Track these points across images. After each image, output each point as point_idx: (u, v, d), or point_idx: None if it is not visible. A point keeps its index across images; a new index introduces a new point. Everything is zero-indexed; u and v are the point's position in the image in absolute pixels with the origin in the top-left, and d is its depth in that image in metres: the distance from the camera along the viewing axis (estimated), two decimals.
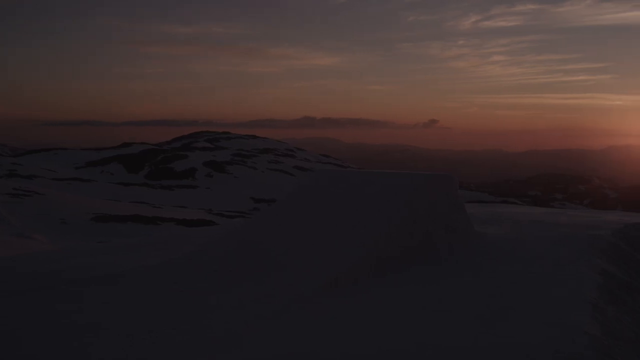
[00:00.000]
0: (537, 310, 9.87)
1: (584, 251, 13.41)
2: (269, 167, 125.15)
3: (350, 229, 13.42)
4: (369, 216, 13.72)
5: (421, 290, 11.51)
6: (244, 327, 9.93)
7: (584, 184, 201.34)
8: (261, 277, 12.38)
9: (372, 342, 8.97)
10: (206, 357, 8.74)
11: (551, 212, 20.88)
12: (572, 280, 11.48)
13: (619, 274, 12.58)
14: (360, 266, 12.40)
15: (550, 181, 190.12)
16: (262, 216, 16.92)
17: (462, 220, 14.90)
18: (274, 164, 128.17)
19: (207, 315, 10.46)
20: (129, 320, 10.29)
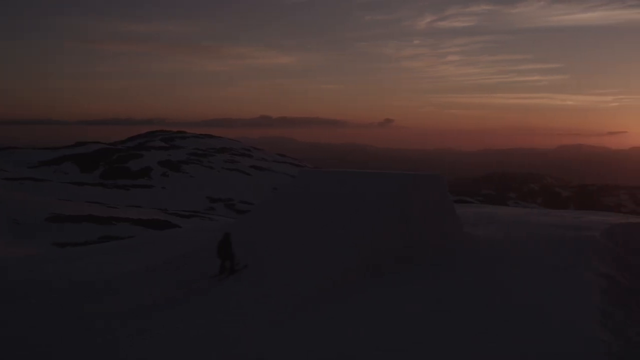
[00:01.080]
0: (546, 317, 9.44)
1: (580, 254, 12.99)
2: (225, 166, 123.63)
3: (342, 231, 12.87)
4: (361, 218, 13.16)
5: (418, 291, 11.01)
6: (246, 328, 9.76)
7: (537, 183, 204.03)
8: (258, 279, 11.98)
9: (370, 342, 8.78)
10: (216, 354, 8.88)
11: (531, 212, 20.54)
12: (575, 284, 11.06)
13: (618, 277, 12.15)
14: (354, 268, 11.87)
15: (503, 180, 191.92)
16: (251, 217, 16.11)
17: (452, 222, 14.38)
18: (230, 163, 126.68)
19: (212, 317, 10.36)
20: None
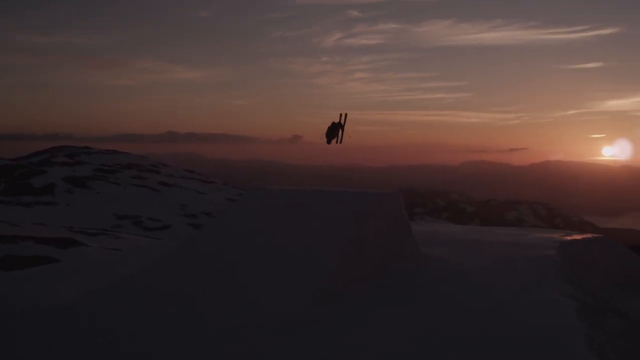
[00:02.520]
0: (535, 343, 8.81)
1: (544, 273, 12.56)
2: (133, 182, 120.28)
3: (298, 255, 11.77)
4: (316, 240, 12.19)
5: (381, 318, 10.06)
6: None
7: (442, 199, 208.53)
8: (207, 306, 10.74)
9: None
10: None
11: (479, 230, 20.03)
12: (549, 306, 10.53)
13: (582, 296, 11.61)
14: (311, 297, 10.83)
15: (410, 196, 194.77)
16: (200, 237, 14.60)
17: (411, 242, 13.50)
18: (138, 179, 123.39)
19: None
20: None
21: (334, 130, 16.65)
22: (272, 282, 11.14)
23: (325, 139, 16.67)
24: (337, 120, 16.76)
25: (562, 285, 11.81)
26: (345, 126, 16.70)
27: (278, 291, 10.87)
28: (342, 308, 10.63)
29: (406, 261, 13.01)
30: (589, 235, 18.26)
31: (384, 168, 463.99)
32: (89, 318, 10.86)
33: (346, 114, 16.59)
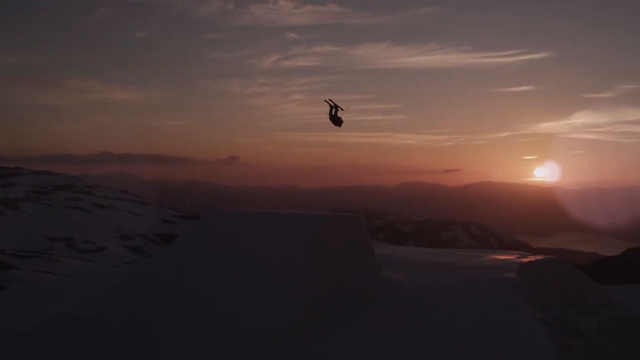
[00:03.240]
0: None
1: (508, 296, 12.37)
2: (66, 204, 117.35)
3: (257, 281, 11.28)
4: (277, 264, 11.67)
5: (349, 346, 9.67)
6: None
7: (379, 219, 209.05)
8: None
9: None
10: None
11: (435, 252, 19.72)
12: (522, 330, 10.29)
13: (546, 318, 11.43)
14: (274, 320, 10.42)
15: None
16: (156, 262, 13.90)
17: (373, 266, 13.10)
18: (71, 201, 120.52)
19: None
20: None
21: (335, 117, 18.10)
22: (234, 308, 10.70)
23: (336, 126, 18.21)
24: (328, 109, 18.21)
25: (530, 309, 11.64)
26: (337, 106, 18.21)
27: (240, 315, 10.44)
28: (305, 331, 10.26)
29: (369, 284, 12.65)
30: (543, 257, 18.27)
31: (321, 189, 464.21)
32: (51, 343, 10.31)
33: (329, 99, 18.23)
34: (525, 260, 16.81)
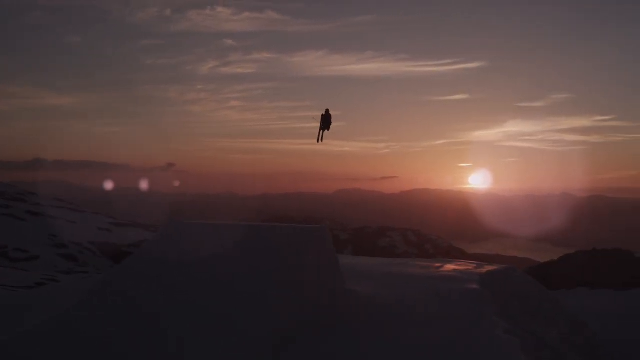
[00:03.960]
0: None
1: (477, 309, 12.06)
2: None
3: (223, 296, 10.77)
4: (243, 278, 11.10)
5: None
6: None
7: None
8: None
9: None
10: None
11: (391, 262, 19.47)
12: (495, 346, 9.96)
13: (520, 331, 11.25)
14: (242, 337, 9.94)
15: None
16: (117, 276, 13.12)
17: (339, 279, 12.70)
18: (4, 208, 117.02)
19: None
20: None
21: (324, 121, 19.73)
22: (199, 324, 10.20)
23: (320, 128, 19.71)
24: (318, 121, 19.77)
25: (500, 321, 11.46)
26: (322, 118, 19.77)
27: (206, 334, 9.95)
28: (275, 347, 9.84)
29: (337, 299, 12.28)
30: (499, 266, 18.24)
31: (258, 196, 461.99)
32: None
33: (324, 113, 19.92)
34: (484, 270, 16.68)
